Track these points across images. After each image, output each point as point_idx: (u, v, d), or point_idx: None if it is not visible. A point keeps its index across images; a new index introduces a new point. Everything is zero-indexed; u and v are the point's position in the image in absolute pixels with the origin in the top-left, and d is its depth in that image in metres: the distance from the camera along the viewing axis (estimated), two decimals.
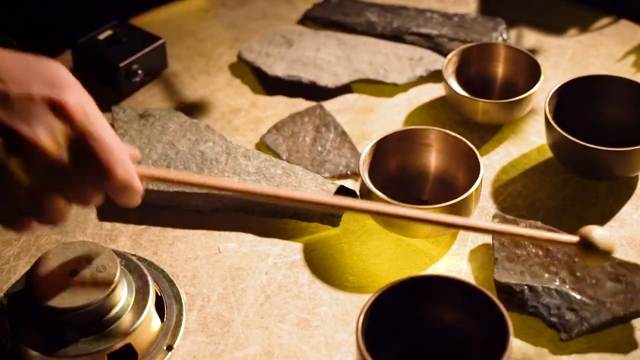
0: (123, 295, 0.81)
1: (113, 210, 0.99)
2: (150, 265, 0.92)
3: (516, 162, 1.05)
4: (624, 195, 1.00)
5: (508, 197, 1.00)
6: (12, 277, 0.91)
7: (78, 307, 0.78)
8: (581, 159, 0.98)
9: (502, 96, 1.11)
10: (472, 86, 1.12)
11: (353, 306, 0.88)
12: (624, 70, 1.19)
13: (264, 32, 1.26)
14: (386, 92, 1.16)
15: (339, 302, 0.89)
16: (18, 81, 0.69)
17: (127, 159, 0.72)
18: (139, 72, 1.14)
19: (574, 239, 0.76)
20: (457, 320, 0.80)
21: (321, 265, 0.93)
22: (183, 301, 0.88)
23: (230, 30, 1.30)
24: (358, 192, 0.96)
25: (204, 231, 0.97)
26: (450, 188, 0.97)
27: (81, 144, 0.69)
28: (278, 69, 1.17)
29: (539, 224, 0.93)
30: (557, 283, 0.87)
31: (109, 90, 1.15)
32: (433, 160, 0.99)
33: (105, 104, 1.11)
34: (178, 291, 0.89)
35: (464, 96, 1.07)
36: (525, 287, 0.86)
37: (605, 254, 0.75)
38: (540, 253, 0.90)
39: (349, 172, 1.03)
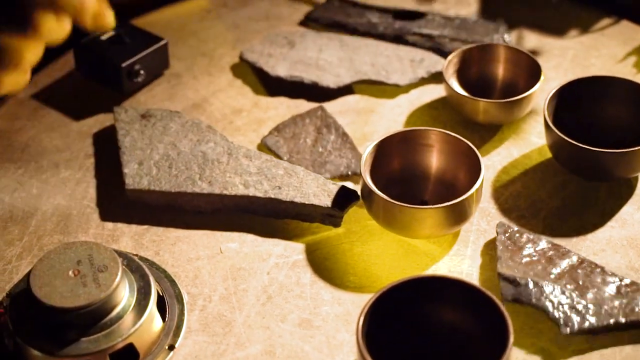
0: (125, 295, 0.82)
1: (115, 211, 0.99)
2: (152, 265, 0.92)
3: (517, 162, 1.05)
4: (625, 196, 1.00)
5: (509, 197, 1.01)
6: (14, 277, 0.92)
7: (80, 306, 0.78)
8: (580, 161, 0.98)
9: (502, 97, 1.11)
10: (473, 87, 1.12)
11: (355, 306, 0.89)
12: (625, 71, 1.19)
13: (266, 33, 1.27)
14: (387, 93, 1.16)
15: (340, 302, 0.89)
16: None
17: None
18: (141, 72, 1.14)
19: None
20: (458, 320, 0.80)
21: (323, 266, 0.93)
22: (185, 301, 0.88)
23: (232, 31, 1.30)
24: (359, 193, 0.96)
25: (206, 231, 0.97)
26: (451, 188, 0.97)
27: None
28: (280, 69, 1.18)
29: (543, 239, 0.93)
30: (561, 284, 0.87)
31: (110, 91, 1.15)
32: (434, 160, 0.99)
33: (107, 104, 1.12)
34: (180, 291, 0.89)
35: (465, 96, 1.07)
36: (530, 280, 0.86)
37: None
38: (543, 261, 0.90)
39: (349, 173, 1.03)
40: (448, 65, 1.10)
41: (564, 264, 0.89)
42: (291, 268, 0.93)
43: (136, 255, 0.92)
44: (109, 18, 0.69)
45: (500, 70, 1.13)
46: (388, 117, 1.13)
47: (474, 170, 0.93)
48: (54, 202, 1.01)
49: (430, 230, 0.92)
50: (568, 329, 0.84)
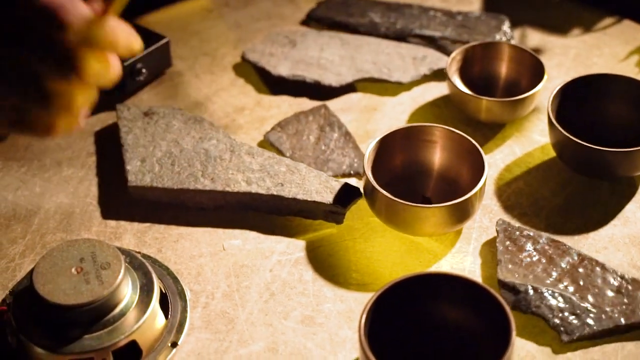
0: (127, 292, 0.82)
1: (118, 209, 0.99)
2: (154, 262, 0.92)
3: (520, 160, 1.05)
4: (627, 194, 1.00)
5: (511, 195, 1.01)
6: (17, 274, 0.92)
7: (83, 304, 0.78)
8: (584, 159, 0.98)
9: (505, 95, 1.12)
10: (476, 85, 1.12)
11: (357, 303, 0.89)
12: (627, 69, 1.19)
13: (268, 33, 1.27)
14: (390, 91, 1.16)
15: (343, 299, 0.89)
16: None
17: (72, 3, 0.66)
18: (143, 70, 1.14)
19: None
20: (460, 317, 0.80)
21: (325, 263, 0.93)
22: (187, 298, 0.88)
23: (234, 30, 1.30)
24: (362, 190, 0.96)
25: (208, 229, 0.97)
26: (454, 185, 0.97)
27: (24, 11, 0.66)
28: (282, 68, 1.18)
29: (544, 236, 0.93)
30: (561, 287, 0.87)
31: (113, 89, 1.14)
32: (437, 157, 0.99)
33: (109, 103, 1.12)
34: (182, 288, 0.89)
35: (468, 94, 1.07)
36: (530, 287, 0.86)
37: None
38: (544, 260, 0.90)
39: (352, 172, 1.03)
40: (451, 63, 1.10)
41: (564, 262, 0.89)
42: (294, 265, 0.93)
43: (139, 252, 0.92)
44: (139, 45, 0.71)
45: (503, 69, 1.13)
46: (390, 115, 1.13)
47: (477, 167, 0.93)
48: (57, 200, 1.01)
49: (433, 228, 0.92)
50: (568, 337, 0.83)
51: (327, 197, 0.95)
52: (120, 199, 1.00)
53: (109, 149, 1.07)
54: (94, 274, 0.80)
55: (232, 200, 0.98)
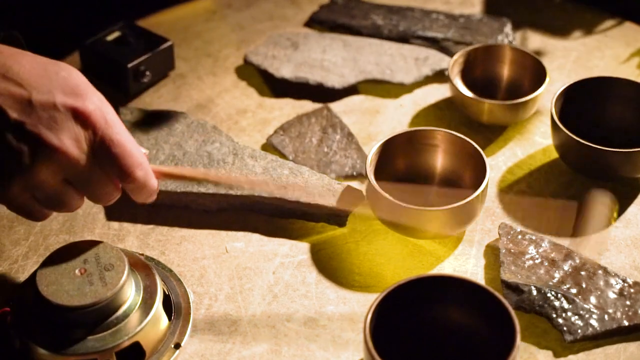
0: (131, 294, 0.82)
1: (121, 210, 0.99)
2: (157, 264, 0.92)
3: (522, 162, 1.05)
4: (630, 196, 1.00)
5: (513, 197, 1.01)
6: (20, 276, 0.92)
7: (86, 305, 0.78)
8: (587, 160, 0.98)
9: (507, 98, 1.12)
10: (478, 87, 1.12)
11: (360, 305, 0.89)
12: (629, 72, 1.19)
13: (270, 35, 1.27)
14: (392, 93, 1.17)
15: (346, 301, 0.89)
16: (40, 88, 0.72)
17: (145, 161, 0.77)
18: (147, 73, 1.15)
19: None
20: (464, 320, 0.80)
21: (328, 265, 0.93)
22: (191, 300, 0.88)
23: (236, 32, 1.30)
24: (364, 193, 0.96)
25: (212, 231, 0.97)
26: (456, 188, 0.97)
27: (104, 149, 0.74)
28: (285, 71, 1.18)
29: (546, 239, 0.93)
30: (564, 289, 0.87)
31: (116, 91, 1.15)
32: (439, 161, 0.99)
33: (112, 105, 1.12)
34: (185, 290, 0.89)
35: (470, 97, 1.08)
36: (533, 287, 0.86)
37: None
38: (546, 263, 0.90)
39: (354, 174, 1.03)
40: (453, 66, 1.10)
41: (567, 265, 0.90)
42: (297, 267, 0.93)
43: (142, 254, 0.92)
44: (155, 192, 0.81)
45: (505, 71, 1.14)
46: (393, 117, 1.13)
47: (479, 170, 0.93)
48: None
49: (436, 231, 0.92)
50: (571, 337, 0.84)
51: (330, 200, 0.95)
52: (123, 200, 1.00)
53: None
54: (98, 275, 0.80)
55: (235, 203, 0.98)
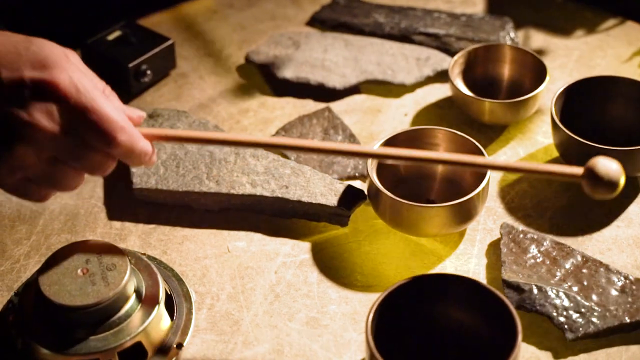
0: (133, 294, 0.82)
1: (123, 210, 1.00)
2: (159, 264, 0.92)
3: (523, 162, 1.05)
4: (631, 195, 1.00)
5: (515, 196, 1.01)
6: (22, 275, 0.92)
7: (88, 305, 0.78)
8: (587, 159, 0.98)
9: (508, 97, 1.12)
10: (479, 87, 1.12)
11: (362, 305, 0.89)
12: (630, 71, 1.19)
13: (271, 34, 1.27)
14: (393, 92, 1.17)
15: (347, 300, 0.89)
16: (8, 65, 0.71)
17: (127, 124, 0.75)
18: (148, 72, 1.15)
19: (579, 170, 0.73)
20: (466, 319, 0.80)
21: (330, 265, 0.93)
22: (192, 300, 0.88)
23: (238, 32, 1.30)
24: (366, 192, 0.96)
25: (213, 230, 0.97)
26: (457, 187, 0.97)
27: (79, 118, 0.72)
28: (286, 71, 1.18)
29: (547, 238, 0.93)
30: (565, 287, 0.87)
31: (117, 91, 1.14)
32: None
33: None
34: (187, 290, 0.89)
35: (471, 96, 1.08)
36: (534, 286, 0.87)
37: (610, 185, 0.72)
38: (548, 262, 0.90)
39: (357, 174, 1.03)
40: (454, 65, 1.10)
41: (568, 264, 0.90)
42: (298, 267, 0.93)
43: (144, 254, 0.92)
44: (155, 161, 0.80)
45: (506, 70, 1.14)
46: (394, 117, 1.13)
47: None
48: (62, 201, 1.01)
49: (437, 229, 0.92)
50: (573, 335, 0.84)
51: (332, 200, 0.96)
52: (125, 200, 1.01)
53: None
54: (100, 275, 0.80)
55: (237, 203, 0.98)
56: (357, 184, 1.02)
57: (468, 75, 1.13)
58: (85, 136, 0.73)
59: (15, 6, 1.29)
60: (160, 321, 0.83)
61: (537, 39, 1.26)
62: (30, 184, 0.75)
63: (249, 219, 0.98)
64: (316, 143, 0.86)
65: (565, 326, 0.84)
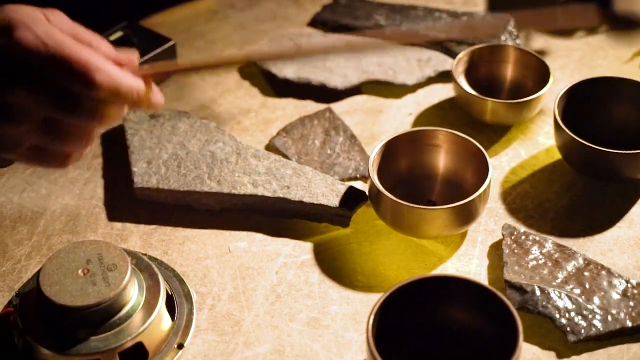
0: (134, 294, 0.82)
1: (124, 211, 1.00)
2: (160, 264, 0.92)
3: (525, 163, 1.05)
4: (633, 196, 1.00)
5: (517, 197, 1.01)
6: (23, 276, 0.92)
7: (89, 305, 0.78)
8: (590, 161, 0.98)
9: (510, 98, 1.12)
10: (481, 87, 1.12)
11: (363, 305, 0.89)
12: (632, 72, 1.19)
13: (273, 35, 1.27)
14: (395, 93, 1.17)
15: (349, 301, 0.89)
16: None
17: (105, 64, 0.73)
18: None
19: None
20: (467, 320, 0.80)
21: (331, 265, 0.93)
22: (194, 300, 0.88)
23: (239, 32, 1.30)
24: (367, 193, 0.96)
25: (215, 231, 0.97)
26: (459, 189, 0.97)
27: (52, 69, 0.71)
28: (288, 71, 1.18)
29: (549, 240, 0.93)
30: (567, 289, 0.87)
31: None
32: (442, 161, 0.99)
33: None
34: (188, 290, 0.89)
35: (474, 95, 1.07)
36: (536, 287, 0.86)
37: None
38: (550, 264, 0.90)
39: (358, 176, 1.03)
40: (457, 65, 1.10)
41: (570, 266, 0.90)
42: (300, 267, 0.93)
43: (145, 254, 0.92)
44: (161, 100, 0.79)
45: (509, 71, 1.14)
46: (396, 118, 1.13)
47: (482, 170, 0.93)
48: (63, 201, 1.01)
49: (438, 230, 0.92)
50: (575, 337, 0.84)
51: (333, 200, 0.95)
52: (126, 200, 1.01)
53: (115, 151, 1.07)
54: (101, 276, 0.80)
55: (238, 203, 0.98)
56: (359, 184, 1.01)
57: (470, 76, 1.13)
58: (65, 85, 0.72)
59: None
60: (161, 321, 0.83)
61: (538, 39, 1.26)
62: (41, 151, 0.75)
63: (250, 220, 0.98)
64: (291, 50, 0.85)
65: (568, 328, 0.84)
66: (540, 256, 0.91)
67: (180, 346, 0.84)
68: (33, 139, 0.74)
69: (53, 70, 0.71)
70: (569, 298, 0.86)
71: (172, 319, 0.85)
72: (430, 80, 1.17)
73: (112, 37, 1.17)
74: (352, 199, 0.96)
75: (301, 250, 0.95)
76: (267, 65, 1.19)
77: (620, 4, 1.23)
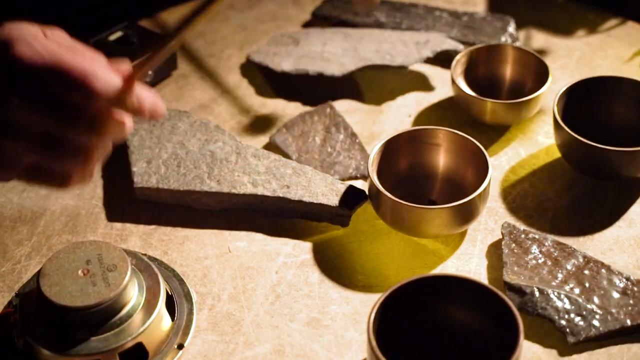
0: (134, 294, 0.82)
1: (123, 211, 1.00)
2: (160, 264, 0.92)
3: (524, 162, 1.05)
4: (633, 195, 1.00)
5: (517, 197, 1.01)
6: (23, 276, 0.92)
7: (89, 306, 0.78)
8: (590, 160, 0.98)
9: (510, 97, 1.12)
10: (481, 87, 1.12)
11: (363, 305, 0.89)
12: (632, 71, 1.19)
13: (272, 35, 1.27)
14: (396, 92, 1.16)
15: (349, 301, 0.89)
16: None
17: (103, 72, 0.72)
18: (149, 73, 1.14)
19: None
20: (467, 319, 0.80)
21: (331, 265, 0.93)
22: (194, 300, 0.88)
23: (239, 32, 1.30)
24: (367, 192, 0.96)
25: (214, 230, 0.97)
26: (458, 188, 0.97)
27: (51, 82, 0.70)
28: (285, 64, 1.18)
29: (549, 238, 0.93)
30: (567, 289, 0.87)
31: None
32: (442, 160, 0.99)
33: None
34: (188, 290, 0.89)
35: (473, 96, 1.07)
36: (535, 288, 0.86)
37: None
38: (549, 262, 0.90)
39: (358, 175, 1.03)
40: (456, 65, 1.10)
41: (570, 265, 0.90)
42: (299, 267, 0.93)
43: (145, 254, 0.92)
44: (163, 111, 0.77)
45: (508, 71, 1.14)
46: (396, 117, 1.13)
47: (482, 169, 0.93)
48: (63, 202, 1.01)
49: (438, 229, 0.92)
50: (574, 339, 0.83)
51: (333, 200, 0.95)
52: (126, 201, 1.01)
53: (114, 152, 1.06)
54: (101, 276, 0.80)
55: (238, 202, 0.98)
56: (359, 184, 1.01)
57: (470, 76, 1.13)
58: (64, 95, 0.71)
59: (17, 7, 1.29)
60: (161, 322, 0.83)
61: (539, 39, 1.26)
62: (41, 169, 0.74)
63: (250, 219, 0.98)
64: None
65: (567, 329, 0.84)
66: (540, 255, 0.91)
67: (181, 346, 0.84)
68: (32, 156, 0.73)
69: (51, 81, 0.71)
70: (569, 298, 0.86)
71: (172, 319, 0.85)
72: (430, 80, 1.17)
73: (112, 37, 1.17)
74: (352, 198, 0.96)
75: (301, 250, 0.95)
76: (264, 61, 1.19)
77: None
